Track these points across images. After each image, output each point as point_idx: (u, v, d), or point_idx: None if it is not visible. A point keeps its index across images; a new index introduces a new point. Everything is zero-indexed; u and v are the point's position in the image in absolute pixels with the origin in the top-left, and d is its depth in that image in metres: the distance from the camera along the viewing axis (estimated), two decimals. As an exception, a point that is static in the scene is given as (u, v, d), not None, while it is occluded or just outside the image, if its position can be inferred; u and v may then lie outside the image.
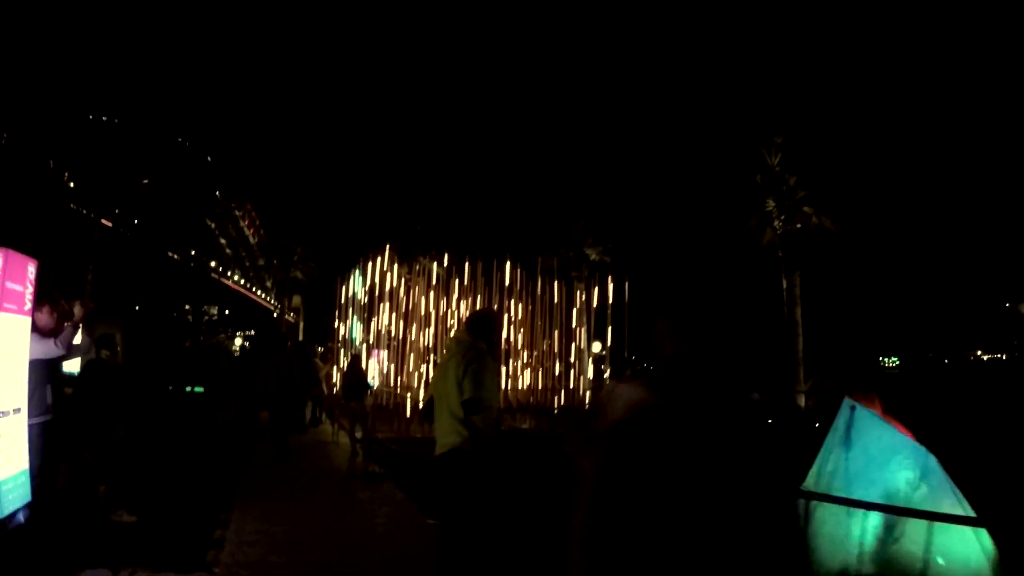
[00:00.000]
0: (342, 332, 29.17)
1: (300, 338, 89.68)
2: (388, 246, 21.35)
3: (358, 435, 14.27)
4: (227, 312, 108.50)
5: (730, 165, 36.36)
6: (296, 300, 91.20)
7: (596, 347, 32.07)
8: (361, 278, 23.76)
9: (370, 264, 22.93)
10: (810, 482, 4.81)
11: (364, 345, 22.75)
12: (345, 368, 15.51)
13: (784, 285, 32.06)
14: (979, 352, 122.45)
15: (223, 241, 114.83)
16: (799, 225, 32.24)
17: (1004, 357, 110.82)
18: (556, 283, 26.39)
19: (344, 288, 26.91)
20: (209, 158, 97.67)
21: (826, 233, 32.66)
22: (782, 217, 32.46)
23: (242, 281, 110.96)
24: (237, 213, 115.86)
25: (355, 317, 24.40)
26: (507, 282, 24.29)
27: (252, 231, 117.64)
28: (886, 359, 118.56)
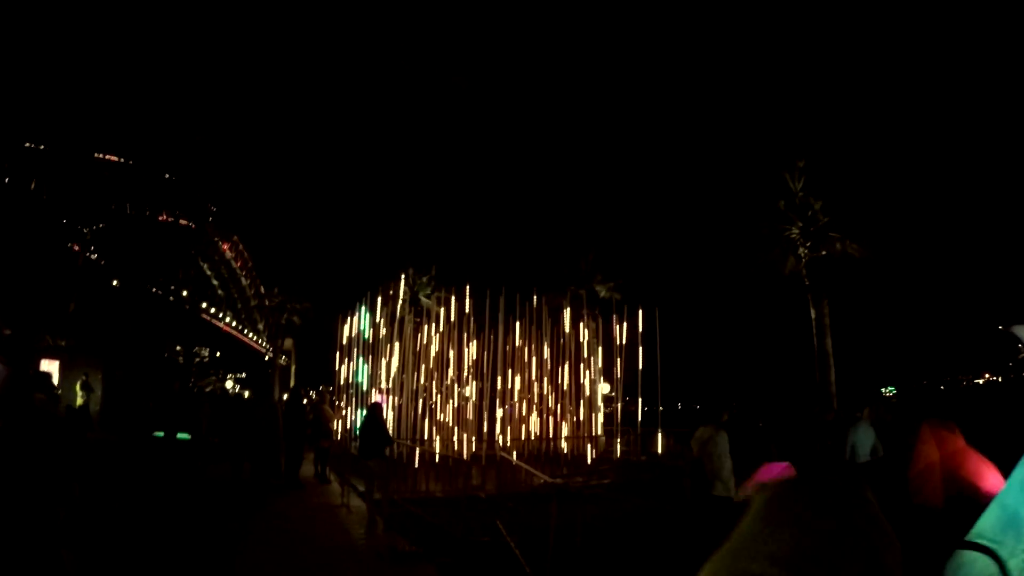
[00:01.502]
0: (344, 375, 26.65)
1: (292, 382, 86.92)
2: (403, 277, 18.87)
3: (377, 497, 11.79)
4: (218, 354, 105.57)
5: (750, 192, 34.32)
6: (288, 343, 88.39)
7: (604, 388, 29.59)
8: (369, 315, 21.25)
9: (379, 299, 20.53)
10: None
11: (386, 391, 20.18)
12: (363, 420, 12.98)
13: (813, 315, 29.92)
14: (972, 376, 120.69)
15: (215, 283, 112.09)
16: (824, 252, 30.29)
17: (1000, 379, 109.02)
18: (570, 322, 23.90)
19: (347, 327, 24.43)
20: (213, 208, 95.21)
21: (849, 260, 30.72)
22: (808, 244, 30.42)
23: (234, 323, 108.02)
24: (229, 254, 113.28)
25: (360, 359, 21.83)
26: (532, 321, 21.90)
27: (244, 272, 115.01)
28: (884, 388, 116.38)
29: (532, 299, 22.45)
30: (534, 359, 22.66)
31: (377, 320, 20.67)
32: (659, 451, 21.62)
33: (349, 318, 24.05)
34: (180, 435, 22.84)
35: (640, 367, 23.20)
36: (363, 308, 21.38)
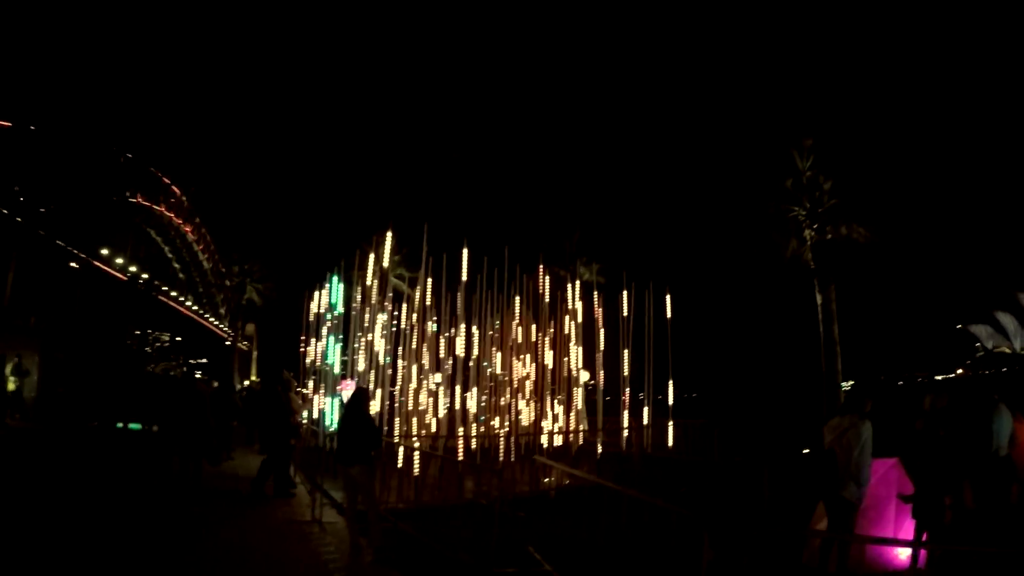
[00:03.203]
0: (311, 357, 23.16)
1: (253, 369, 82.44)
2: (390, 233, 15.31)
3: (360, 508, 8.59)
4: (179, 339, 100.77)
5: (756, 170, 31.53)
6: (250, 328, 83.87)
7: (584, 376, 26.57)
8: (343, 284, 17.77)
9: (355, 264, 17.12)
10: None
11: (375, 372, 16.72)
12: (342, 412, 9.56)
13: (819, 300, 27.34)
14: (928, 373, 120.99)
15: (177, 266, 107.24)
16: (829, 236, 27.77)
17: (957, 375, 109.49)
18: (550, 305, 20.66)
19: (316, 302, 20.95)
20: (192, 189, 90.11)
21: (854, 244, 28.25)
22: (814, 226, 27.81)
23: (195, 307, 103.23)
24: (191, 237, 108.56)
25: (331, 338, 18.36)
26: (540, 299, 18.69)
27: (207, 256, 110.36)
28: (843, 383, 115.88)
29: (514, 276, 19.11)
30: (510, 343, 19.39)
31: (354, 291, 17.28)
32: (669, 444, 18.72)
33: (317, 292, 20.61)
34: (132, 425, 19.43)
35: (626, 352, 20.13)
36: (335, 277, 17.90)
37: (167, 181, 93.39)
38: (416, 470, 12.76)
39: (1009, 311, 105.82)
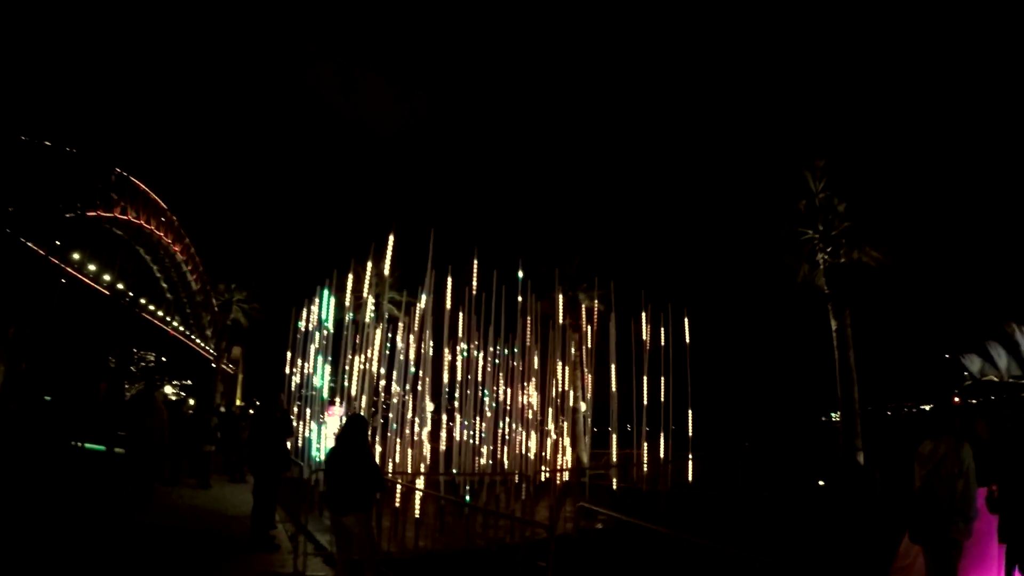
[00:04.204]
0: (297, 380, 21.17)
1: (238, 392, 79.80)
2: (392, 237, 13.43)
3: (356, 556, 6.71)
4: (164, 359, 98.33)
5: (766, 192, 30.06)
6: (236, 351, 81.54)
7: (581, 407, 24.78)
8: (334, 298, 15.86)
9: (348, 279, 15.19)
10: None
11: (365, 398, 14.74)
12: (334, 446, 7.52)
13: (834, 326, 25.73)
14: (912, 403, 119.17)
15: (164, 286, 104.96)
16: (843, 260, 26.28)
17: (952, 404, 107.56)
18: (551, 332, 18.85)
19: (302, 320, 19.03)
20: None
21: (865, 268, 26.78)
22: (828, 249, 26.29)
23: (181, 328, 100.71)
24: (181, 258, 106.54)
25: (320, 358, 16.44)
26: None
27: (195, 276, 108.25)
28: (831, 414, 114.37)
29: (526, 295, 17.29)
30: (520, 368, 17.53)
31: (346, 305, 15.38)
32: (689, 479, 16.88)
33: (305, 309, 18.71)
34: (90, 446, 17.43)
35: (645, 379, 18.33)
36: (325, 291, 15.99)
37: (157, 199, 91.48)
38: (416, 511, 10.83)
39: (999, 341, 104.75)
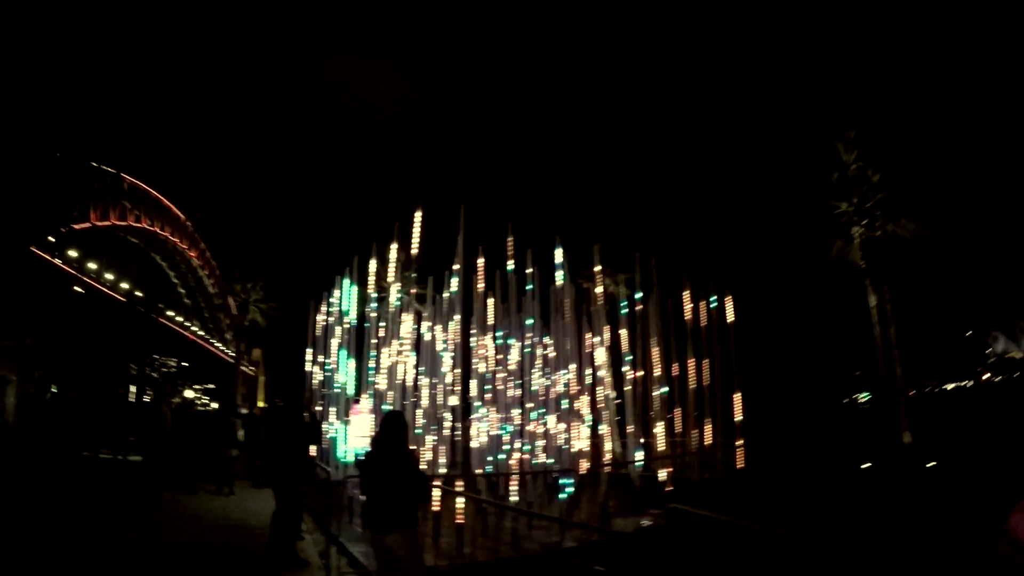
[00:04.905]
0: (318, 378, 20.04)
1: (260, 395, 79.11)
2: (420, 213, 12.20)
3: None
4: (185, 364, 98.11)
5: (797, 164, 28.62)
6: (256, 353, 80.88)
7: (611, 393, 23.49)
8: (357, 287, 14.71)
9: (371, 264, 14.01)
10: None
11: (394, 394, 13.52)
12: (369, 451, 6.20)
13: (872, 302, 24.39)
14: (935, 383, 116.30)
15: (182, 291, 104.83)
16: (879, 232, 24.90)
17: (969, 385, 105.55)
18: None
19: (321, 313, 17.89)
20: (196, 214, 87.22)
21: (901, 241, 25.36)
22: (863, 222, 24.92)
23: (201, 332, 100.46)
24: (197, 262, 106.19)
25: (343, 351, 15.30)
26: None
27: (212, 281, 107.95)
28: (859, 395, 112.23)
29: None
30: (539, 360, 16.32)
31: (369, 294, 14.23)
32: (739, 465, 15.67)
33: (324, 303, 17.56)
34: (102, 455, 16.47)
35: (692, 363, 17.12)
36: (346, 281, 14.85)
37: (171, 205, 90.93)
38: (460, 517, 9.68)
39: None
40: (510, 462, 14.27)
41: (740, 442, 15.84)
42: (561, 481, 12.85)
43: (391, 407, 13.35)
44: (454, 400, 14.89)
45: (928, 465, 21.37)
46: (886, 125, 26.92)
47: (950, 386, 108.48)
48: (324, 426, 17.09)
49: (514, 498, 12.63)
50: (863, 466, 22.77)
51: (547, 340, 16.01)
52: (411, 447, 7.73)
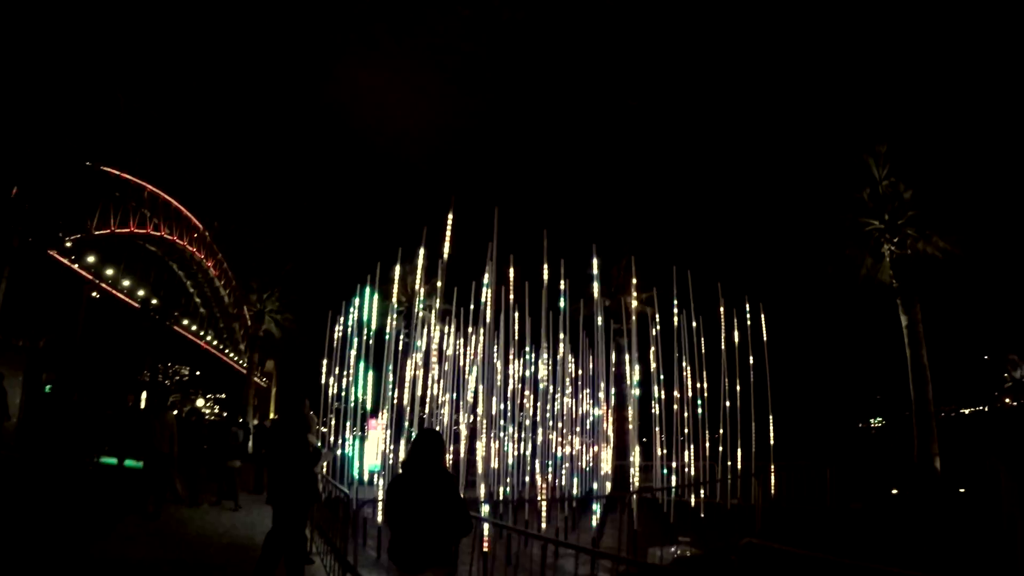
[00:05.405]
0: (332, 391, 19.31)
1: (272, 407, 78.53)
2: (451, 215, 11.49)
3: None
4: (198, 373, 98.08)
5: (826, 180, 27.76)
6: (269, 365, 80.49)
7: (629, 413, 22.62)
8: (377, 296, 14.04)
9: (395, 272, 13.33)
10: None
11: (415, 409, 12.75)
12: (398, 475, 5.43)
13: (904, 322, 23.47)
14: (952, 407, 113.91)
15: (197, 300, 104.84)
16: (909, 251, 24.05)
17: (986, 409, 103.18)
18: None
19: (339, 324, 17.21)
20: (216, 224, 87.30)
21: (930, 258, 24.48)
22: (895, 240, 24.06)
23: (215, 342, 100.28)
24: (213, 273, 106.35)
25: (363, 363, 14.62)
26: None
27: (228, 291, 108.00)
28: (872, 419, 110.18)
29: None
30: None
31: (392, 305, 13.58)
32: (772, 491, 14.78)
33: (343, 312, 16.89)
34: (106, 460, 15.87)
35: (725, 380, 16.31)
36: (367, 289, 14.18)
37: (189, 215, 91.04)
38: (485, 544, 8.88)
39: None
40: (535, 484, 13.51)
41: (773, 467, 14.96)
42: (590, 505, 12.09)
43: (423, 423, 12.56)
44: (475, 417, 14.15)
45: (960, 491, 20.48)
46: (919, 141, 25.98)
47: (967, 411, 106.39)
48: (339, 442, 16.39)
49: (542, 524, 11.84)
50: (892, 492, 21.85)
51: (573, 357, 15.28)
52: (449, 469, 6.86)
